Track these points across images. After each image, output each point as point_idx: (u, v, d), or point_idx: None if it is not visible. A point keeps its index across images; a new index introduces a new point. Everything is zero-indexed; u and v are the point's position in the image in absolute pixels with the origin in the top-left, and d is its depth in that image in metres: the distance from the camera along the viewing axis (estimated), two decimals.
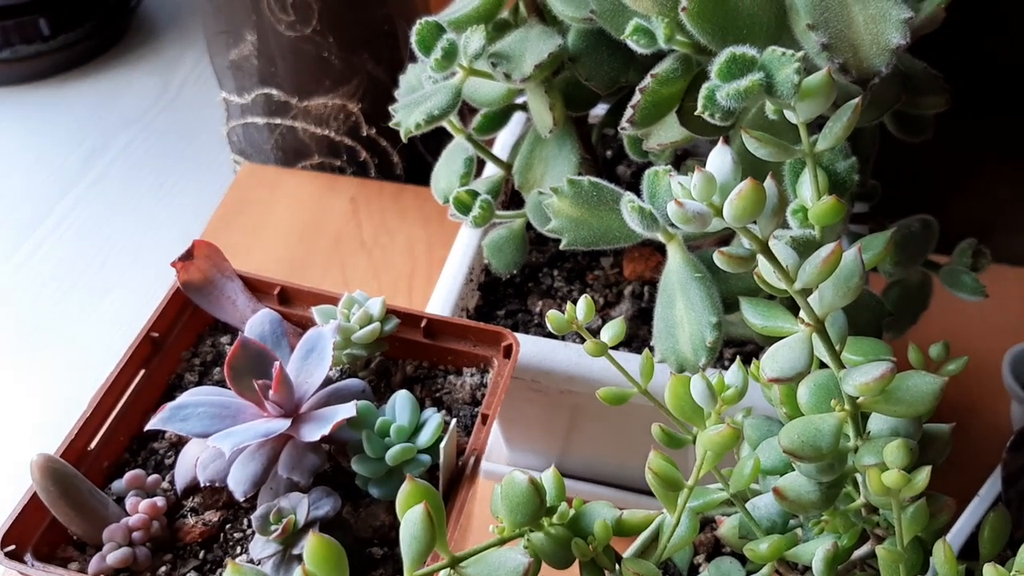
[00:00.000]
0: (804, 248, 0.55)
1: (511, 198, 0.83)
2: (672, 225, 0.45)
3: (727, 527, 0.60)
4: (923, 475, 0.44)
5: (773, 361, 0.45)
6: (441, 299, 0.73)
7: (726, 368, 0.73)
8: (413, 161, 1.17)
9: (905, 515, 0.48)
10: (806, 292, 0.46)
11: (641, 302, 0.76)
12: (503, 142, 0.85)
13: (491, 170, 0.79)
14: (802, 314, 0.47)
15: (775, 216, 0.44)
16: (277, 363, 0.57)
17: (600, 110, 0.80)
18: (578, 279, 0.79)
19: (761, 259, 0.46)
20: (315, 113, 1.12)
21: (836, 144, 0.52)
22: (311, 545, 0.43)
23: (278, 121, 1.14)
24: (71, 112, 1.50)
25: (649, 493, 0.87)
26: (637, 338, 0.74)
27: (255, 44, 1.09)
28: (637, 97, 0.58)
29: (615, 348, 0.74)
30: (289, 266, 1.07)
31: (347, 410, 0.56)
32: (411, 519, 0.46)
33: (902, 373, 0.48)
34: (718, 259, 0.43)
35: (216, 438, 0.55)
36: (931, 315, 0.73)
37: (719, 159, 0.44)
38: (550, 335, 0.75)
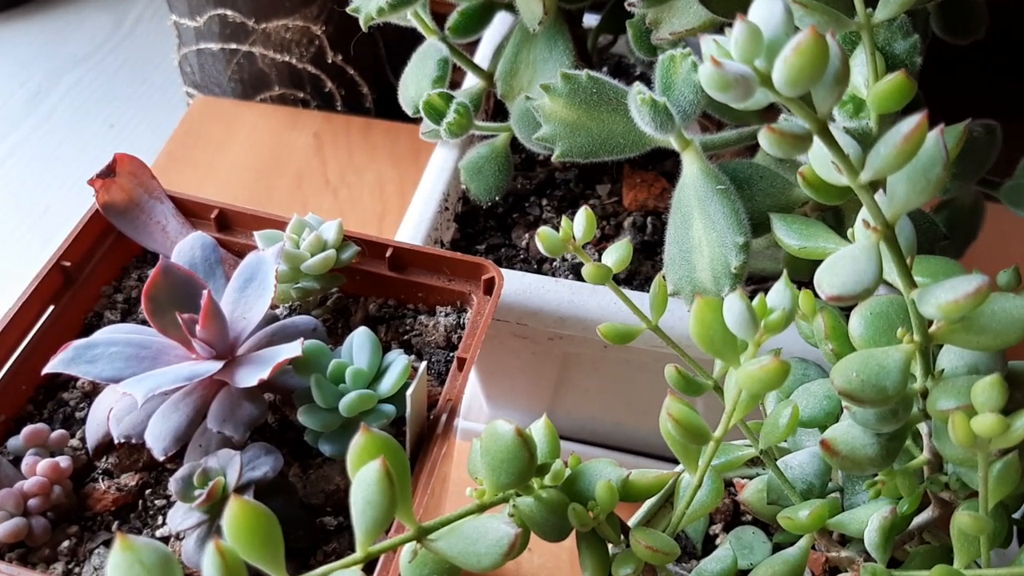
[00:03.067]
0: (858, 141, 0.44)
1: (495, 115, 0.73)
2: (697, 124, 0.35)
3: (752, 491, 0.50)
4: (1022, 421, 0.34)
5: (832, 275, 0.35)
6: (411, 229, 0.63)
7: None
8: (384, 93, 1.05)
9: (992, 473, 0.38)
10: (873, 188, 0.36)
11: (643, 234, 0.66)
12: (484, 53, 0.74)
13: (471, 82, 0.68)
14: (864, 216, 0.36)
15: (838, 85, 0.34)
16: (205, 292, 0.46)
17: (594, 20, 0.69)
18: (571, 208, 0.68)
19: (817, 144, 0.35)
20: (275, 37, 1.01)
21: (896, 14, 0.41)
22: (232, 512, 0.33)
23: (234, 46, 1.02)
24: (16, 51, 1.38)
25: (651, 456, 0.78)
26: (639, 275, 0.64)
27: None
28: None
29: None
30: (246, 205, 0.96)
31: (291, 349, 0.46)
32: (365, 479, 0.35)
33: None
34: (764, 137, 0.33)
35: (128, 383, 0.45)
36: (976, 253, 0.63)
37: (766, 8, 0.34)
38: (538, 271, 0.65)
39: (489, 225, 0.68)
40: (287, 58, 1.02)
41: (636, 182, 0.67)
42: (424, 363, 0.47)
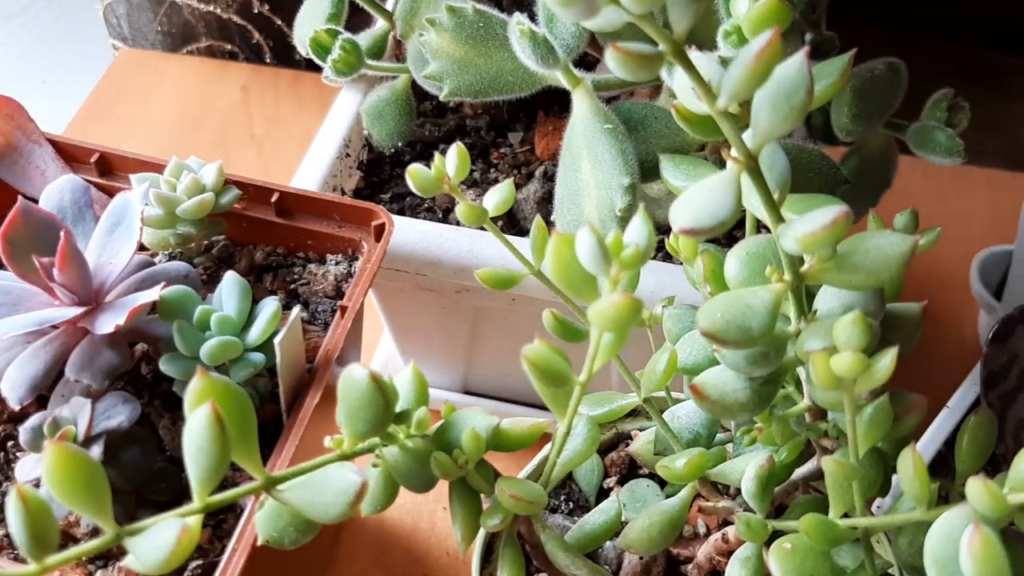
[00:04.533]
0: None
1: (402, 59, 0.70)
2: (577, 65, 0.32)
3: (640, 442, 0.49)
4: (886, 360, 0.33)
5: (688, 207, 0.33)
6: (307, 176, 0.60)
7: (654, 258, 0.61)
8: None
9: (861, 417, 0.36)
10: (735, 119, 0.34)
11: (554, 184, 0.64)
12: None
13: (378, 26, 0.66)
14: (731, 149, 0.34)
15: (693, 3, 0.32)
16: (63, 233, 0.44)
17: None
18: (481, 158, 0.66)
19: (679, 71, 0.33)
20: None
21: None
22: (48, 458, 0.31)
23: None
24: None
25: None
26: (549, 225, 0.62)
27: None
28: None
29: (519, 233, 0.63)
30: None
31: (150, 295, 0.43)
32: (195, 426, 0.33)
33: (860, 233, 0.36)
34: (610, 57, 0.31)
35: None
36: (887, 218, 0.62)
37: None
38: (444, 221, 0.62)
39: (395, 174, 0.65)
40: (213, 8, 0.99)
41: (548, 130, 0.65)
42: (296, 309, 0.45)
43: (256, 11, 0.98)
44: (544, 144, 0.65)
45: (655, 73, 0.32)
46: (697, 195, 0.33)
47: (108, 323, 0.43)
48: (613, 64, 0.32)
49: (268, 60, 1.02)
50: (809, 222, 0.32)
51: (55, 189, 0.50)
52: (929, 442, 0.54)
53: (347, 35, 0.54)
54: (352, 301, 0.49)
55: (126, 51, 1.05)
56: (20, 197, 0.47)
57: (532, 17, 0.71)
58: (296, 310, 0.45)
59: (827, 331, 0.36)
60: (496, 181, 0.64)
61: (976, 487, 0.31)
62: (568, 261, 0.36)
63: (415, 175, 0.43)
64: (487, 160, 0.66)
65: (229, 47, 1.02)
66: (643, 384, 0.44)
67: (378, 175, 0.65)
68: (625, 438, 0.54)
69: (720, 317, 0.35)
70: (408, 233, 0.57)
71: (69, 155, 0.56)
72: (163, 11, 1.01)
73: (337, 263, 0.54)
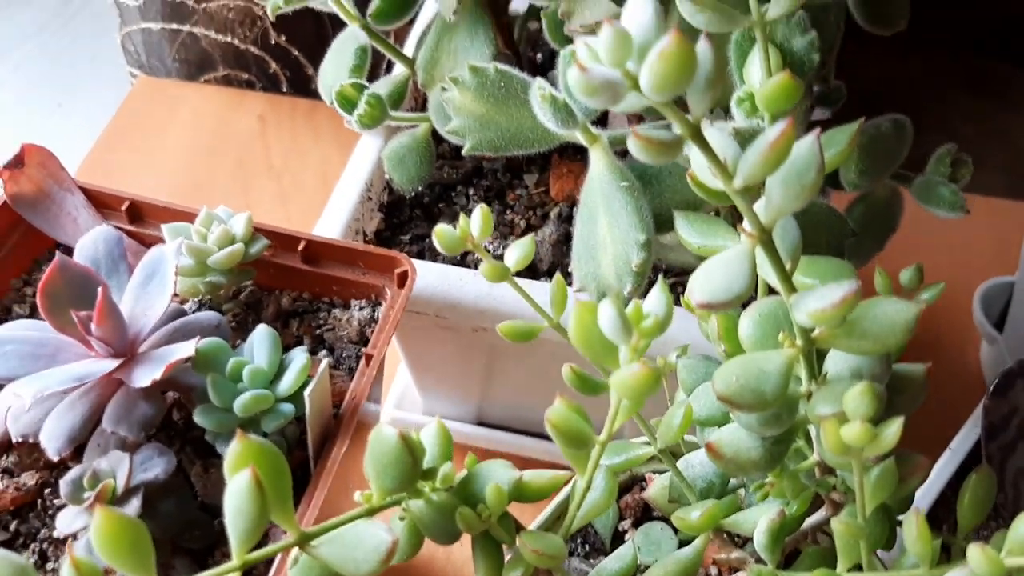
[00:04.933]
0: (750, 142, 0.44)
1: (422, 105, 0.72)
2: (594, 120, 0.34)
3: (656, 488, 0.50)
4: (893, 429, 0.34)
5: (705, 281, 0.35)
6: (331, 220, 0.62)
7: None
8: None
9: (868, 479, 0.38)
10: (749, 193, 0.35)
11: (569, 225, 0.65)
12: (414, 39, 0.73)
13: (399, 70, 0.67)
14: (744, 222, 0.36)
15: (710, 88, 0.33)
16: (100, 289, 0.46)
17: (523, 5, 0.68)
18: (497, 199, 0.68)
19: (692, 150, 0.35)
20: (217, 18, 0.99)
21: (792, 9, 0.41)
22: (97, 522, 0.33)
23: (176, 27, 1.01)
24: None
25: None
26: (563, 267, 0.64)
27: None
28: None
29: (535, 277, 0.64)
30: (185, 192, 0.95)
31: (185, 349, 0.45)
32: (236, 489, 0.35)
33: (867, 300, 0.38)
34: (632, 143, 0.32)
35: (18, 384, 0.44)
36: (894, 249, 0.63)
37: (638, 10, 0.33)
38: (462, 263, 0.64)
39: (415, 215, 0.67)
40: (230, 39, 1.01)
41: (563, 172, 0.67)
42: (325, 361, 0.47)
43: (273, 42, 1.00)
44: (559, 186, 0.67)
45: (675, 157, 0.34)
46: (713, 269, 0.35)
47: (144, 377, 0.45)
48: (635, 149, 0.33)
49: (285, 90, 1.04)
50: (820, 298, 0.34)
51: (90, 240, 0.51)
52: (932, 484, 0.56)
53: (372, 90, 0.56)
54: (377, 349, 0.51)
55: (144, 80, 1.07)
56: (58, 252, 0.49)
57: (548, 66, 0.73)
58: (324, 363, 0.47)
59: (837, 397, 0.37)
60: (512, 223, 0.66)
61: (975, 553, 0.33)
62: (589, 328, 0.38)
63: (441, 235, 0.45)
64: (503, 201, 0.68)
65: (246, 76, 1.04)
66: (659, 435, 0.46)
67: (398, 217, 0.67)
68: (640, 480, 0.55)
69: (735, 381, 0.37)
70: (428, 277, 0.59)
71: (100, 202, 0.58)
72: (180, 40, 1.03)
73: (361, 308, 0.56)
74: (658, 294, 0.36)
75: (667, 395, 0.53)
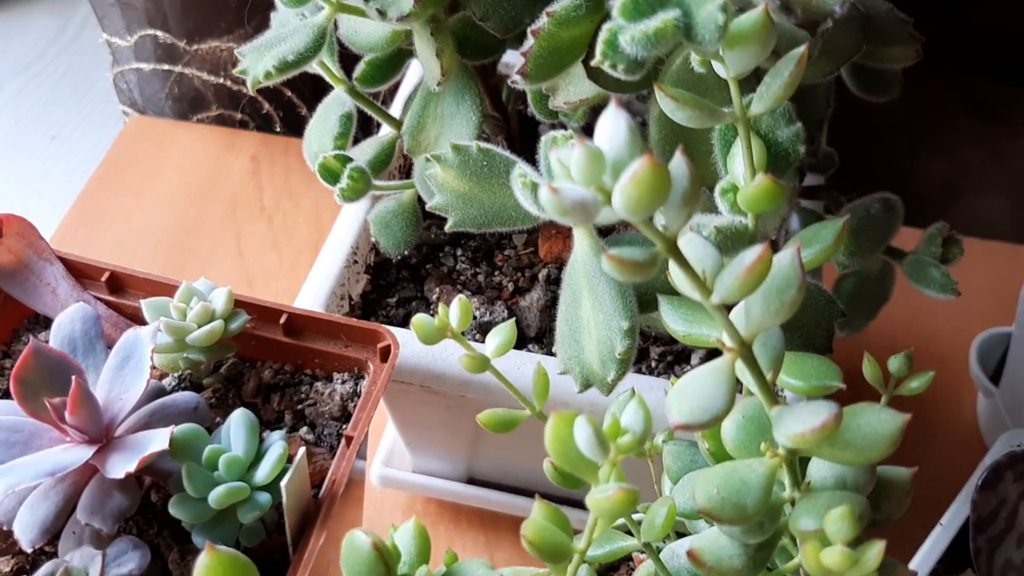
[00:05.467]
0: (733, 241, 0.43)
1: (411, 163, 0.71)
2: None
3: (641, 574, 0.50)
4: (874, 553, 0.33)
5: (682, 400, 0.34)
6: (316, 285, 0.61)
7: (653, 371, 0.62)
8: None
9: None
10: (727, 308, 0.35)
11: (558, 288, 0.64)
12: (405, 95, 0.73)
13: (386, 131, 0.67)
14: (723, 335, 0.35)
15: (686, 206, 0.33)
16: (74, 378, 0.45)
17: (514, 58, 0.67)
18: (485, 260, 0.67)
19: (671, 262, 0.34)
20: (209, 59, 0.99)
21: (775, 106, 0.40)
22: None
23: (167, 67, 1.00)
24: None
25: (573, 503, 0.77)
26: (551, 332, 0.63)
27: None
28: (529, 42, 0.45)
29: (522, 344, 0.64)
30: (176, 233, 0.94)
31: (159, 441, 0.44)
32: None
33: (851, 408, 0.37)
34: (606, 265, 0.32)
35: None
36: (893, 311, 0.62)
37: (611, 127, 0.32)
38: None
39: (402, 276, 0.66)
40: (222, 80, 1.00)
41: (552, 233, 0.66)
42: (302, 451, 0.46)
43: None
44: (548, 247, 0.66)
45: (651, 275, 0.33)
46: (691, 387, 0.34)
47: (119, 468, 0.44)
48: (610, 269, 0.32)
49: (278, 130, 1.04)
50: (800, 421, 0.33)
51: (67, 319, 0.51)
52: (925, 559, 0.55)
53: (356, 163, 0.55)
54: (358, 430, 0.50)
55: (136, 119, 1.06)
56: (32, 337, 0.48)
57: (538, 120, 0.72)
58: (301, 451, 0.46)
59: (819, 510, 0.36)
60: (500, 285, 0.65)
61: None
62: (566, 441, 0.37)
63: (419, 326, 0.44)
64: (491, 262, 0.67)
65: (239, 116, 1.04)
66: (643, 531, 0.45)
67: (385, 278, 0.66)
68: (627, 560, 0.54)
69: (716, 494, 0.36)
70: (413, 346, 0.58)
71: (80, 272, 0.57)
72: (173, 80, 1.03)
73: (343, 382, 0.55)
74: (635, 410, 0.35)
75: (652, 475, 0.52)
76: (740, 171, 0.43)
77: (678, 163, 0.32)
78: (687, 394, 0.34)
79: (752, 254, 0.31)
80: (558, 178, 0.33)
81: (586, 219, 0.32)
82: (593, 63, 0.38)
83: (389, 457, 0.76)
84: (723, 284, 0.33)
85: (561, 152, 0.33)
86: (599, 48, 0.37)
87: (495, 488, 0.75)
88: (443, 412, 0.66)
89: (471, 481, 0.76)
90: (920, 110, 0.89)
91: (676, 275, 0.36)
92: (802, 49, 0.38)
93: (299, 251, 0.94)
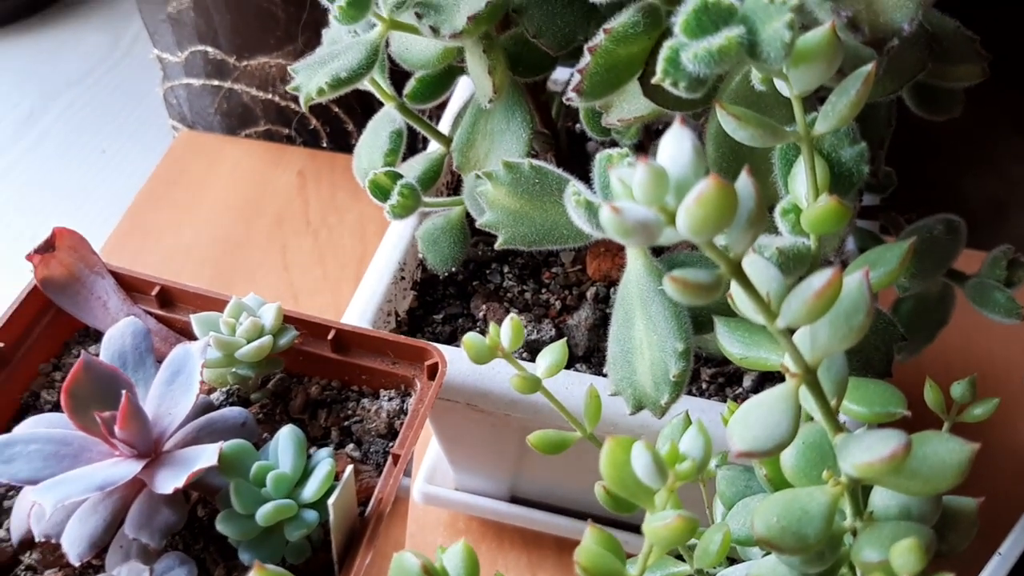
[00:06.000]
0: (795, 262, 0.42)
1: (458, 179, 0.71)
2: None
3: None
4: None
5: (744, 427, 0.33)
6: (363, 301, 0.61)
7: (703, 393, 0.61)
8: None
9: None
10: (792, 332, 0.34)
11: (606, 307, 0.64)
12: (454, 112, 0.72)
13: (434, 147, 0.67)
14: (787, 359, 0.34)
15: (752, 228, 0.32)
16: (124, 392, 0.45)
17: (564, 74, 0.67)
18: (532, 278, 0.66)
19: (735, 284, 0.33)
20: (258, 75, 0.99)
21: (841, 125, 0.39)
22: None
23: (217, 83, 1.01)
24: (9, 70, 1.37)
25: (620, 525, 0.76)
26: (599, 352, 0.62)
27: None
28: (586, 59, 0.45)
29: (570, 363, 0.63)
30: (223, 247, 0.95)
31: (208, 456, 0.44)
32: None
33: (917, 436, 0.35)
34: (669, 288, 0.31)
35: (39, 489, 0.44)
36: (951, 334, 0.61)
37: (675, 146, 0.32)
38: None
39: (448, 293, 0.66)
40: (271, 95, 1.01)
41: (600, 251, 0.65)
42: (350, 469, 0.46)
43: None
44: (596, 265, 0.65)
45: (715, 298, 0.32)
46: (754, 414, 0.33)
47: (167, 483, 0.44)
48: (672, 291, 0.32)
49: (325, 145, 1.04)
50: (867, 450, 0.32)
51: (117, 333, 0.51)
52: None
53: (406, 180, 0.55)
54: (405, 448, 0.50)
55: (185, 134, 1.07)
56: (83, 352, 0.48)
57: (586, 136, 0.71)
58: (349, 470, 0.46)
59: (883, 541, 0.35)
60: (547, 303, 0.65)
61: None
62: (622, 467, 0.36)
63: (470, 346, 0.43)
64: (538, 280, 0.66)
65: (286, 131, 1.04)
66: (697, 556, 0.44)
67: (431, 295, 0.66)
68: None
69: (776, 523, 0.35)
70: (460, 364, 0.57)
71: (130, 286, 0.57)
72: (222, 95, 1.03)
73: (390, 399, 0.55)
74: (695, 434, 0.34)
75: (704, 499, 0.51)
76: (802, 191, 0.42)
77: (744, 183, 0.31)
78: (750, 421, 0.33)
79: (822, 278, 0.30)
80: (618, 197, 0.32)
81: (648, 240, 0.31)
82: (654, 80, 0.37)
83: (432, 474, 0.76)
84: (790, 308, 0.32)
85: (622, 171, 0.32)
86: (660, 65, 0.37)
87: (538, 507, 0.74)
88: (488, 430, 0.65)
89: (514, 500, 0.75)
90: (966, 128, 0.87)
91: (739, 298, 0.35)
92: (869, 67, 0.37)
93: (343, 266, 0.94)
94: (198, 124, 1.08)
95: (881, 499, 0.38)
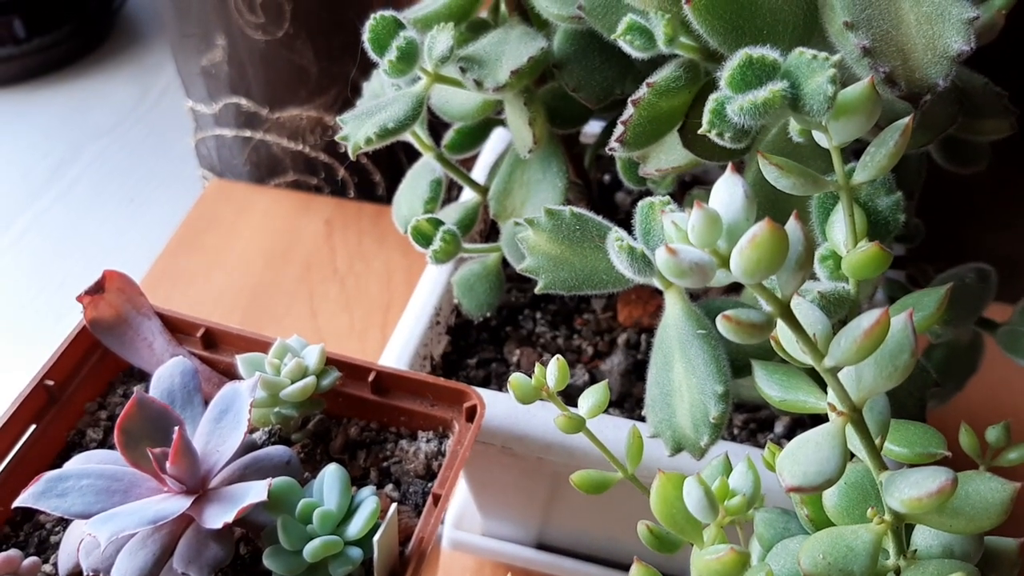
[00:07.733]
0: (835, 306, 0.43)
1: (491, 227, 0.73)
2: None
3: None
4: None
5: (794, 463, 0.34)
6: (399, 345, 0.62)
7: (735, 438, 0.62)
8: (396, 181, 1.05)
9: None
10: (838, 371, 0.35)
11: (637, 353, 0.65)
12: (483, 165, 0.74)
13: (468, 195, 0.68)
14: (832, 397, 0.35)
15: (800, 270, 0.33)
16: (177, 429, 0.46)
17: (596, 127, 0.69)
18: (564, 324, 0.67)
19: (781, 326, 0.35)
20: (288, 126, 1.02)
21: (879, 175, 0.40)
22: None
23: (248, 134, 1.04)
24: (40, 120, 1.40)
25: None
26: (631, 397, 0.63)
27: (225, 49, 0.99)
28: (630, 111, 0.47)
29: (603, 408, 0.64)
30: (252, 293, 0.96)
31: (257, 492, 0.45)
32: None
33: (961, 475, 0.36)
34: (723, 327, 0.32)
35: (94, 522, 0.44)
36: (980, 382, 0.62)
37: (727, 192, 0.33)
38: None
39: (482, 338, 0.67)
40: (300, 146, 1.03)
41: (631, 298, 0.67)
42: (393, 507, 0.47)
43: (343, 150, 1.02)
44: (627, 312, 0.67)
45: (765, 338, 0.33)
46: (803, 451, 0.34)
47: (217, 519, 0.45)
48: (725, 331, 0.33)
49: (352, 195, 1.06)
50: (914, 485, 0.33)
51: (167, 372, 0.52)
52: None
53: (448, 226, 0.56)
54: (445, 489, 0.51)
55: (216, 183, 1.10)
56: (136, 389, 0.49)
57: (614, 187, 0.73)
58: (393, 508, 0.47)
59: None
60: (580, 349, 0.66)
61: None
62: (672, 501, 0.37)
63: (516, 386, 0.45)
64: (570, 326, 0.67)
65: (314, 181, 1.07)
66: None
67: (465, 339, 0.67)
68: None
69: (822, 559, 0.36)
70: (496, 408, 0.58)
71: (176, 328, 0.58)
72: (252, 146, 1.06)
73: (428, 440, 0.56)
74: (744, 473, 0.35)
75: (740, 540, 0.52)
76: (840, 238, 0.43)
77: (793, 228, 0.33)
78: (799, 458, 0.34)
79: (870, 318, 0.32)
80: (671, 241, 0.34)
81: (701, 281, 0.33)
82: (700, 131, 0.39)
83: (459, 519, 0.76)
84: (839, 347, 0.33)
85: (676, 216, 0.34)
86: (706, 117, 0.38)
87: (566, 555, 0.75)
88: (519, 475, 0.66)
89: (542, 547, 0.75)
90: (994, 181, 0.89)
91: (785, 339, 0.36)
92: (907, 120, 0.38)
93: (370, 312, 0.95)
94: (227, 174, 1.11)
95: (923, 538, 0.39)
